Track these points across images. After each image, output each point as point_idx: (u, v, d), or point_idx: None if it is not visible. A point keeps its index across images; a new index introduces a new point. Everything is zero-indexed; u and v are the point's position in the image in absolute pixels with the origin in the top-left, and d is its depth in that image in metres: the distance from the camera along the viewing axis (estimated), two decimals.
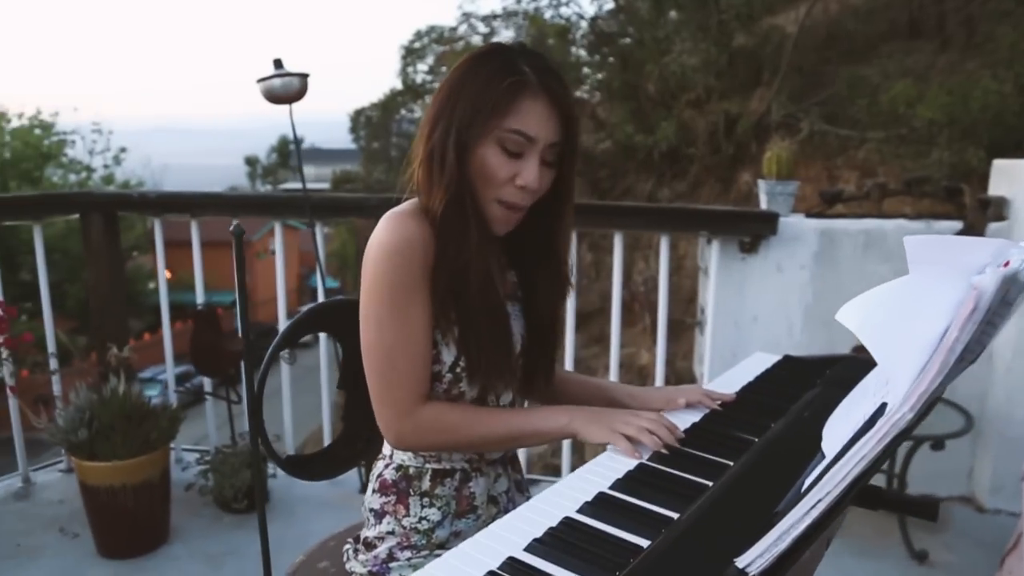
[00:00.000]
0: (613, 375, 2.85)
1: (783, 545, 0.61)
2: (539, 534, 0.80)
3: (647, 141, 7.32)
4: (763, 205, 2.81)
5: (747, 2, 6.60)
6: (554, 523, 0.82)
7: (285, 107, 2.74)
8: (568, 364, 2.81)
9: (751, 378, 1.35)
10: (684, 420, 1.14)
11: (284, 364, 2.87)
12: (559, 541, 0.78)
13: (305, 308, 1.26)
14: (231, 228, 1.21)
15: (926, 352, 0.53)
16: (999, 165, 2.80)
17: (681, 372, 6.26)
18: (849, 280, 2.67)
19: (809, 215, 2.81)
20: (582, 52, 10.69)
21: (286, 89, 2.69)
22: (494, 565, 0.74)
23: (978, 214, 2.61)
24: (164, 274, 3.04)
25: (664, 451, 1.00)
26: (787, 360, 1.45)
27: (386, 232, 1.04)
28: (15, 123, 16.10)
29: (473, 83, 1.02)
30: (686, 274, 6.99)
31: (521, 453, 2.87)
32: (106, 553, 2.36)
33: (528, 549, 0.77)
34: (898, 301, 0.58)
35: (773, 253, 2.73)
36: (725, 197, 6.67)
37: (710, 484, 0.92)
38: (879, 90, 5.47)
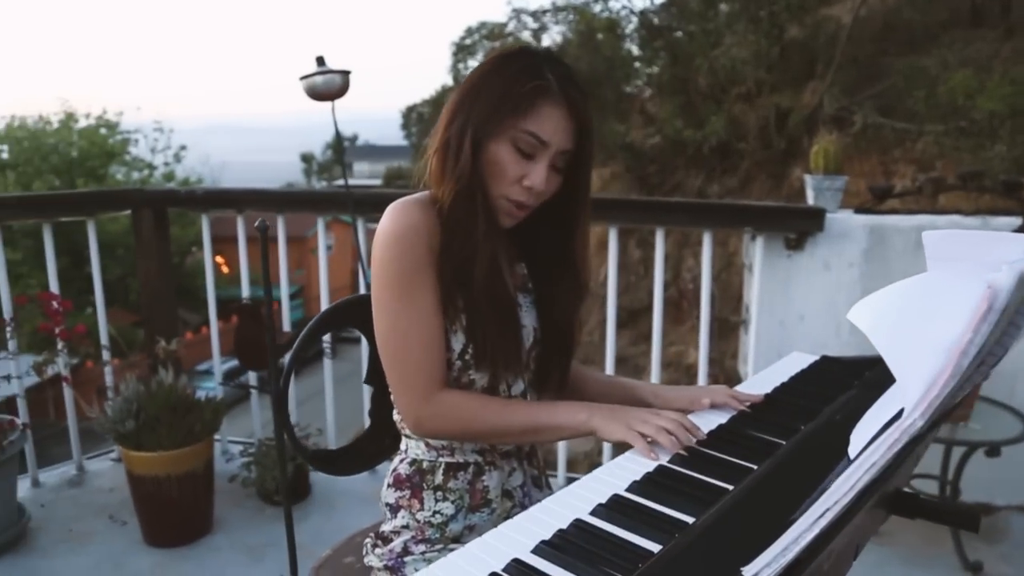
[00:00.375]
0: (655, 373, 2.82)
1: (791, 555, 0.59)
2: (548, 536, 0.78)
3: (696, 136, 7.19)
4: (810, 201, 2.73)
5: None
6: (564, 525, 0.80)
7: (336, 104, 2.77)
8: (610, 362, 2.79)
9: (785, 378, 1.30)
10: (710, 421, 1.11)
11: (326, 358, 2.93)
12: (568, 543, 0.77)
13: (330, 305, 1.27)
14: (256, 225, 1.23)
15: (940, 356, 0.49)
16: None
17: (730, 371, 6.16)
18: (900, 278, 2.56)
19: (858, 211, 2.71)
20: (632, 47, 10.57)
21: (328, 86, 2.72)
22: (498, 567, 0.72)
23: None
24: (211, 269, 3.11)
25: (682, 452, 0.97)
26: (825, 361, 1.40)
27: (389, 220, 1.05)
28: (83, 123, 16.74)
29: (496, 81, 1.05)
30: (736, 271, 6.86)
31: (561, 451, 2.86)
32: (151, 541, 2.43)
33: (535, 551, 0.75)
34: (913, 300, 0.55)
35: (820, 250, 2.64)
36: (776, 193, 6.51)
37: (730, 488, 0.89)
38: (938, 81, 5.25)
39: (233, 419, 3.34)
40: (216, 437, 2.97)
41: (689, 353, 7.35)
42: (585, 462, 6.77)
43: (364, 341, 2.79)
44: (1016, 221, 2.52)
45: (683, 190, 7.48)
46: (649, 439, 0.99)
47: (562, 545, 0.76)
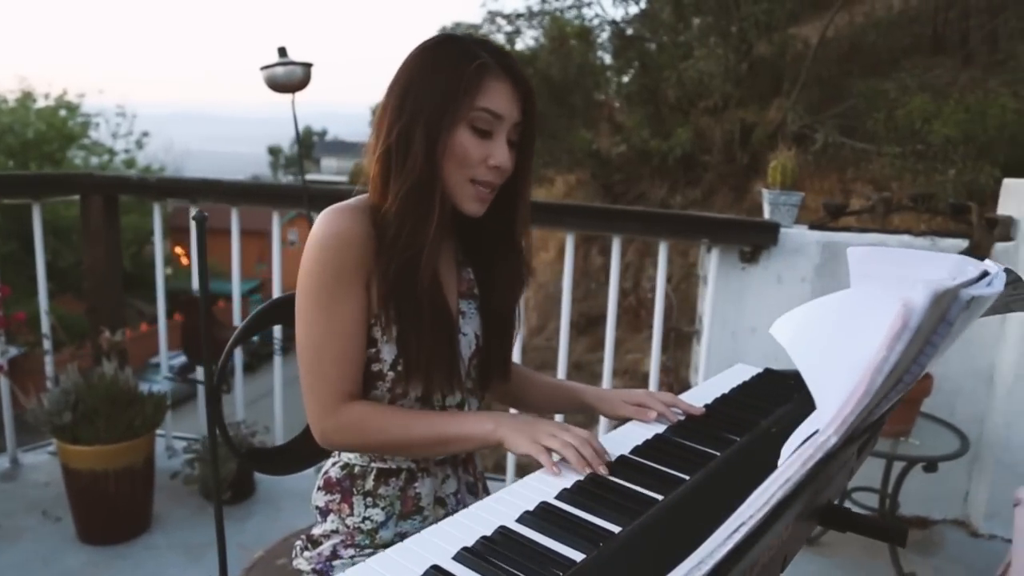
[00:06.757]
0: (607, 380, 2.82)
1: (706, 568, 0.58)
2: (471, 542, 0.77)
3: (662, 147, 7.26)
4: (766, 215, 2.76)
5: (767, 11, 6.54)
6: (489, 531, 0.79)
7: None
8: (562, 368, 2.79)
9: (727, 389, 1.31)
10: (648, 430, 1.11)
11: (276, 356, 2.88)
12: (490, 550, 0.75)
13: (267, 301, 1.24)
14: (193, 215, 1.19)
15: (856, 373, 0.50)
16: (1008, 185, 2.74)
17: (685, 381, 6.21)
18: None
19: (812, 227, 2.76)
20: (604, 55, 10.65)
21: (289, 78, 2.69)
22: (417, 573, 0.71)
23: (984, 233, 2.55)
24: (161, 259, 3.04)
25: (589, 469, 0.94)
26: (768, 373, 1.42)
27: (318, 226, 1.03)
28: (41, 103, 16.27)
29: (437, 71, 1.03)
30: (696, 282, 6.93)
31: (511, 456, 2.85)
32: (86, 538, 2.36)
33: (456, 557, 0.74)
34: (834, 317, 0.55)
35: (774, 264, 2.68)
36: (738, 206, 6.60)
37: (660, 498, 0.89)
38: (897, 104, 5.38)
39: (184, 415, 3.26)
40: (160, 432, 2.91)
41: (646, 361, 7.39)
42: (533, 467, 6.75)
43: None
44: (962, 243, 2.59)
45: (647, 200, 7.54)
46: (557, 455, 0.97)
47: (484, 552, 0.75)
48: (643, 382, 7.47)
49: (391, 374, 1.07)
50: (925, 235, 2.68)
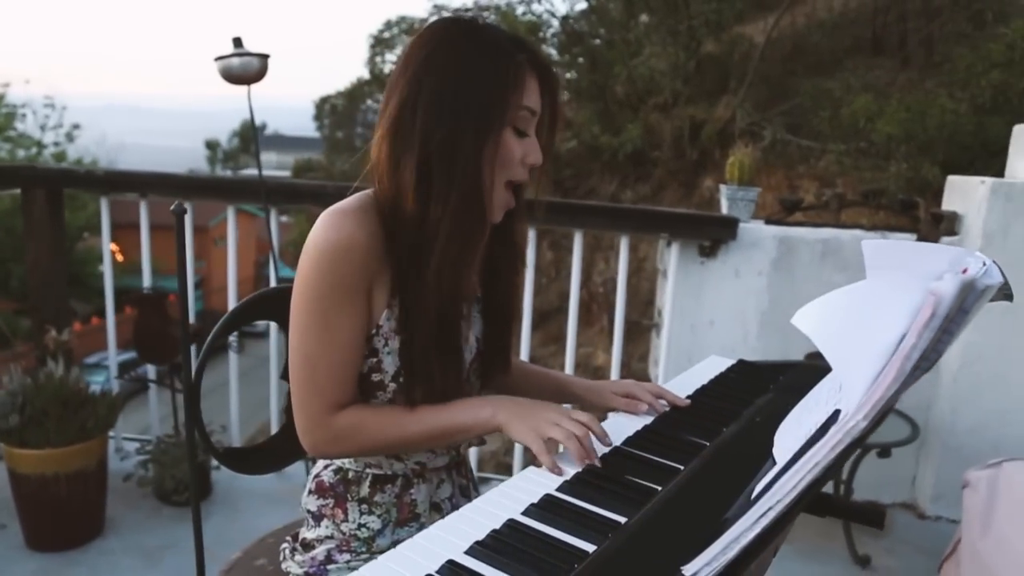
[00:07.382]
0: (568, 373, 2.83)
1: (731, 553, 0.59)
2: (481, 536, 0.76)
3: (613, 142, 7.34)
4: (724, 210, 2.82)
5: (717, 10, 6.68)
6: (497, 525, 0.79)
7: (247, 89, 2.66)
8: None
9: (705, 381, 1.33)
10: (636, 422, 1.12)
11: (232, 352, 2.81)
12: (502, 544, 0.75)
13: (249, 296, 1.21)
14: (172, 208, 1.15)
15: (882, 359, 0.51)
16: (953, 181, 2.86)
17: (637, 373, 6.31)
18: (805, 288, 2.68)
19: (769, 222, 2.83)
20: (552, 51, 10.70)
21: (245, 69, 2.62)
22: (432, 568, 0.70)
23: (931, 228, 2.66)
24: (109, 256, 2.93)
25: (588, 461, 0.94)
26: (741, 364, 1.44)
27: (320, 232, 0.96)
28: None
29: (477, 70, 0.95)
30: (645, 276, 7.04)
31: (472, 451, 2.84)
32: (35, 545, 2.26)
33: (469, 552, 0.74)
34: (854, 306, 0.57)
35: (732, 258, 2.74)
36: (687, 202, 6.73)
37: (659, 488, 0.90)
38: (841, 103, 5.57)
39: (127, 414, 3.15)
40: (110, 434, 2.81)
41: (597, 355, 7.49)
42: (492, 461, 6.77)
43: (279, 336, 2.70)
44: (910, 237, 2.68)
45: (597, 195, 7.62)
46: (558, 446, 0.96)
47: (496, 546, 0.75)
48: (595, 375, 7.57)
49: (393, 385, 1.03)
50: (876, 230, 2.77)
